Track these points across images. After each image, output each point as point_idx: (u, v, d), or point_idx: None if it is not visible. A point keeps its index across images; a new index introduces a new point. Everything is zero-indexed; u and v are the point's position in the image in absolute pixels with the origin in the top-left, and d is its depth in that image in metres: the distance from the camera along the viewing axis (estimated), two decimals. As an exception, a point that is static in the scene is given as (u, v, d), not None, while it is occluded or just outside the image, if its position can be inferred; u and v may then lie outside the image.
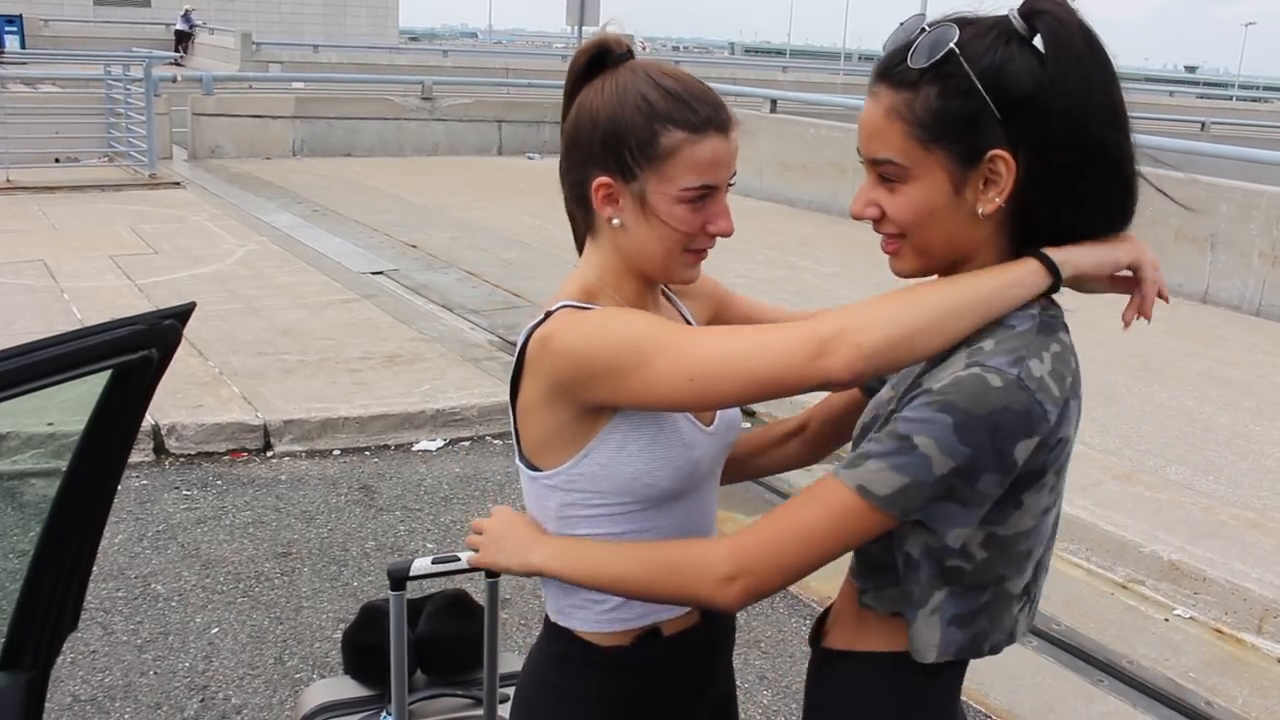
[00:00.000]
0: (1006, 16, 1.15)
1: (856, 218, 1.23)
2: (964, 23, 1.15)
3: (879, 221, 1.21)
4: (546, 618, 1.42)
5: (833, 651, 1.34)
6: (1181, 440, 5.10)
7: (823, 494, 1.15)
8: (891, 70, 1.17)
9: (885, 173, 1.18)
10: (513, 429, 1.34)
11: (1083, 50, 1.12)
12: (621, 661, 1.36)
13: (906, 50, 1.15)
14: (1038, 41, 1.14)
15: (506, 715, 2.06)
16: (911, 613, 1.22)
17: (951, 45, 1.12)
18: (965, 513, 1.13)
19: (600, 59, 1.29)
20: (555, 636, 1.39)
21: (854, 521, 1.14)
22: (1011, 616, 1.25)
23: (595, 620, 1.35)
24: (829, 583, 1.86)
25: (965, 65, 1.12)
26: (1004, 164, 1.14)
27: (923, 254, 1.21)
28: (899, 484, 1.11)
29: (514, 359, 1.30)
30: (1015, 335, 1.14)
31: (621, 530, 1.31)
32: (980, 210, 1.16)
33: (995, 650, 1.26)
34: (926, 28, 1.15)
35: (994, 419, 1.09)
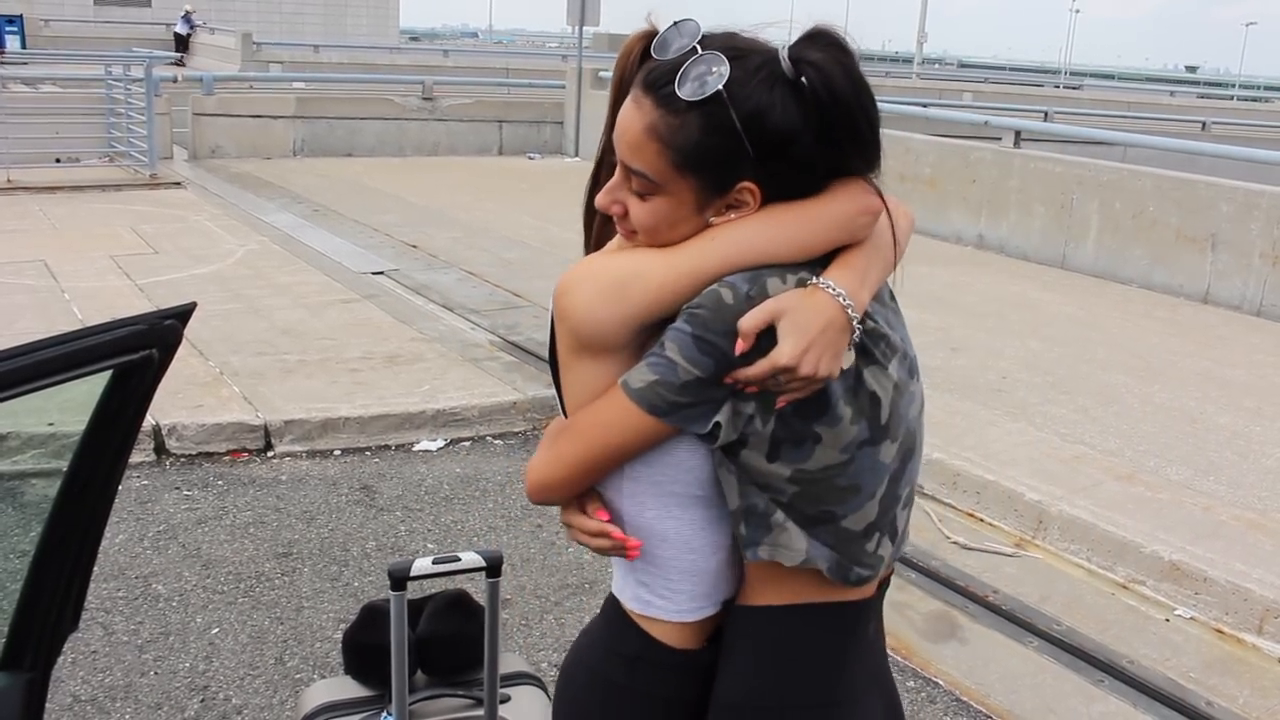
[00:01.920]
0: (777, 55, 1.18)
1: (601, 210, 1.30)
2: (735, 54, 1.17)
3: (621, 217, 1.28)
4: (614, 607, 1.41)
5: (734, 605, 1.37)
6: (1182, 440, 5.09)
7: (606, 394, 1.24)
8: (658, 86, 1.19)
9: (637, 184, 1.23)
10: (558, 400, 1.34)
11: (849, 102, 1.17)
12: (694, 666, 1.36)
13: (675, 70, 1.18)
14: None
15: (507, 715, 2.07)
16: (762, 521, 1.27)
17: (719, 87, 1.15)
18: (710, 409, 1.21)
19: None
20: (626, 634, 1.38)
21: (620, 415, 1.22)
22: (868, 553, 1.31)
23: (678, 610, 1.35)
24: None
25: (730, 108, 1.16)
26: (750, 194, 1.22)
27: (651, 245, 1.26)
28: (648, 379, 1.20)
29: (548, 325, 1.31)
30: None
31: (684, 491, 1.31)
32: (712, 221, 1.24)
33: (860, 582, 1.31)
34: (698, 47, 1.18)
35: (731, 334, 1.17)
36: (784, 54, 1.17)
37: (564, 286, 1.25)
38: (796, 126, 1.17)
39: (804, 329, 1.17)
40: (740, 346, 1.17)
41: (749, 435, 1.21)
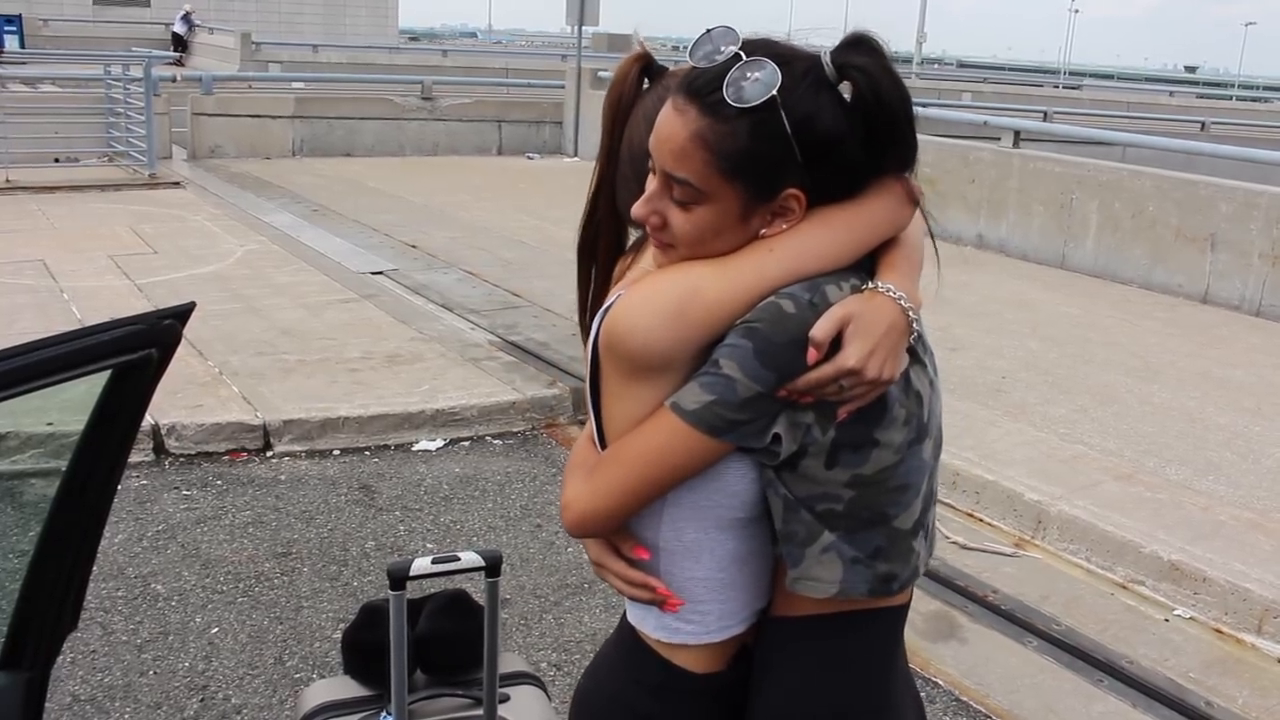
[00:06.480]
0: (819, 61, 1.18)
1: (637, 221, 1.27)
2: (781, 60, 1.16)
3: (658, 229, 1.25)
4: (631, 635, 1.39)
5: (770, 618, 1.36)
6: (1182, 440, 5.10)
7: (651, 418, 1.22)
8: (704, 93, 1.18)
9: (680, 193, 1.21)
10: (595, 430, 1.32)
11: (895, 106, 1.18)
12: (721, 687, 1.36)
13: (721, 76, 1.16)
14: (845, 88, 1.18)
15: (506, 715, 2.07)
16: (798, 550, 1.25)
17: (774, 93, 1.15)
18: (768, 423, 1.19)
19: (648, 70, 1.34)
20: (647, 664, 1.37)
21: (673, 440, 1.20)
22: (914, 552, 1.30)
23: (706, 631, 1.34)
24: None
25: (782, 115, 1.15)
26: (796, 201, 1.21)
27: (690, 258, 1.24)
28: (704, 400, 1.18)
29: (588, 358, 1.29)
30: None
31: (727, 514, 1.29)
32: (763, 233, 1.23)
33: (904, 587, 1.31)
34: (742, 54, 1.17)
35: (796, 344, 1.16)
36: (826, 59, 1.17)
37: (618, 315, 1.22)
38: (843, 131, 1.17)
39: (869, 332, 1.17)
40: (813, 356, 1.16)
41: (808, 445, 1.20)
